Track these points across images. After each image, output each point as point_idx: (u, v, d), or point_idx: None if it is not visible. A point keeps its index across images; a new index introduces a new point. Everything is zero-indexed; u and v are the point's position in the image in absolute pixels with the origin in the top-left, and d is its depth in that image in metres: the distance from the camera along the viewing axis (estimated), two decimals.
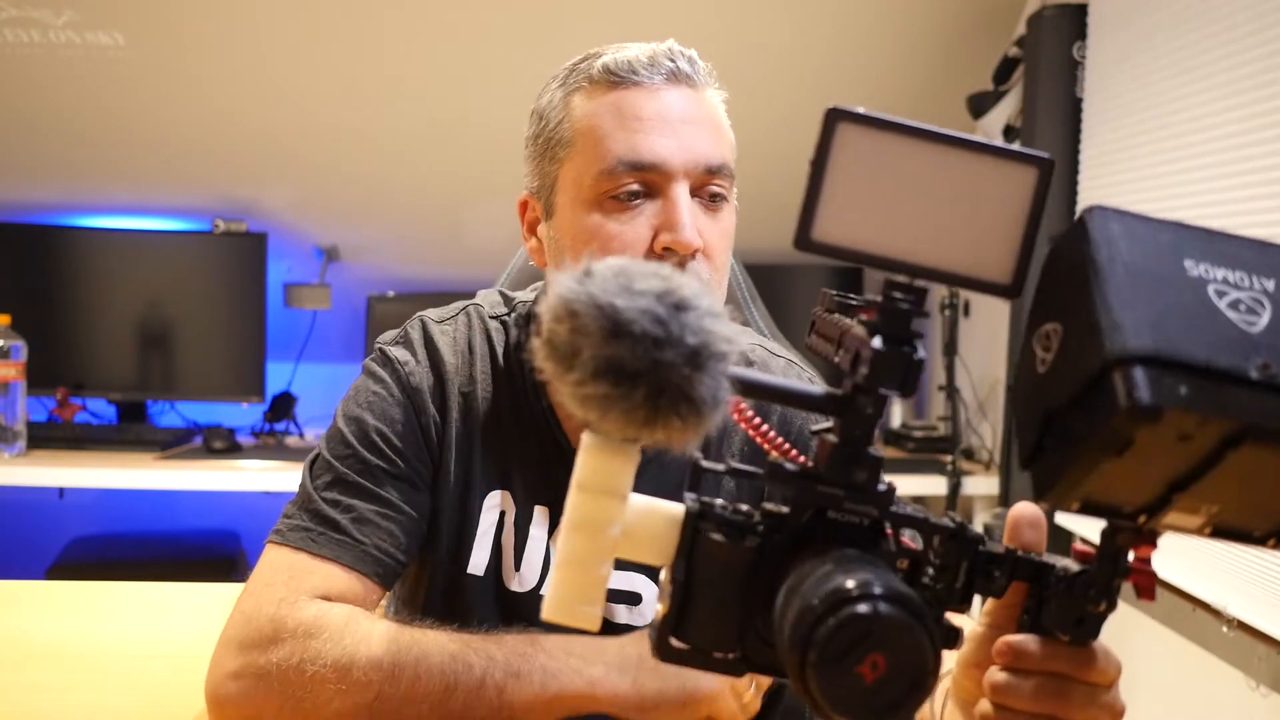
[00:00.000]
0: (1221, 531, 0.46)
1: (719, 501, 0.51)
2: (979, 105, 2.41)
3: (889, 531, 0.51)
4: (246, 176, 2.68)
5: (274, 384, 2.76)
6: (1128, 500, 0.45)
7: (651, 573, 0.98)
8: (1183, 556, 1.74)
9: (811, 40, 2.44)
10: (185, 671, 0.83)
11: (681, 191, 0.92)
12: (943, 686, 0.67)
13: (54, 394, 2.62)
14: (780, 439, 0.53)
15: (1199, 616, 1.69)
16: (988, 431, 2.60)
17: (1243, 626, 1.57)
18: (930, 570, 0.52)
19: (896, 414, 2.85)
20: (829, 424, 0.50)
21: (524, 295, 1.09)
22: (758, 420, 0.53)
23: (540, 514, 0.99)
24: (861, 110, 0.46)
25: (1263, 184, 1.56)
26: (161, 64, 2.42)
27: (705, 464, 0.51)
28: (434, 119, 2.49)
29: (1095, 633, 0.54)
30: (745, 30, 2.41)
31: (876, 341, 0.47)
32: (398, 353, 1.01)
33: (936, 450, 2.58)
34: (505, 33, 2.34)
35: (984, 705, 0.58)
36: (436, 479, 0.98)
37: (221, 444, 2.45)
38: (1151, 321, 0.41)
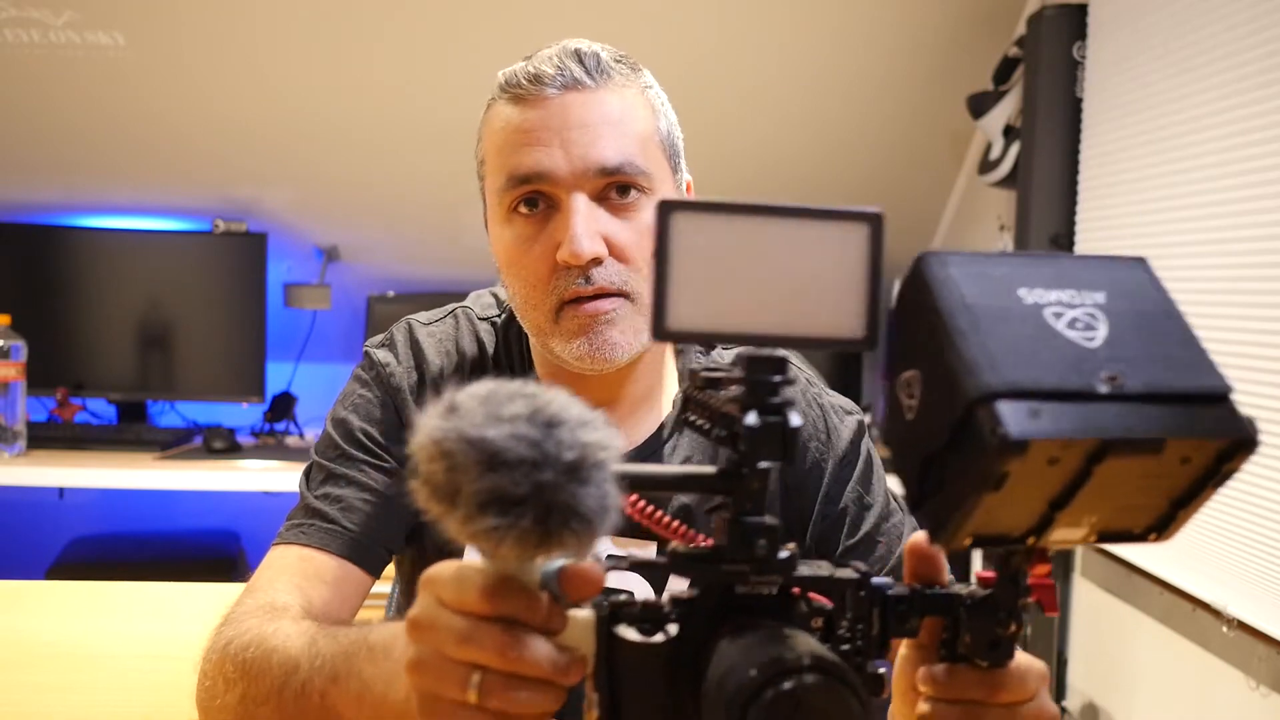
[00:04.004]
0: (1105, 536, 0.48)
1: (623, 596, 0.51)
2: (979, 105, 2.41)
3: (798, 592, 0.51)
4: (246, 176, 2.68)
5: (274, 384, 2.76)
6: (1014, 527, 0.47)
7: (644, 571, 0.97)
8: (1183, 556, 1.75)
9: (811, 41, 2.44)
10: (185, 672, 0.83)
11: (575, 201, 0.91)
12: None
13: (54, 394, 2.62)
14: (678, 524, 0.54)
15: (1199, 616, 1.69)
16: None
17: (1243, 626, 1.57)
18: (844, 623, 0.53)
19: None
20: (720, 501, 0.50)
21: None
22: (653, 511, 0.54)
23: None
24: (691, 198, 0.48)
25: (1263, 184, 1.56)
26: (161, 64, 2.42)
27: (612, 553, 0.52)
28: (434, 119, 2.49)
29: (1010, 654, 0.55)
30: (745, 33, 2.41)
31: (750, 418, 0.48)
32: (381, 355, 1.03)
33: None
34: (505, 33, 2.34)
35: None
36: None
37: (221, 444, 2.45)
38: (1002, 356, 0.43)
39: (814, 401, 1.05)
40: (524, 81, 0.93)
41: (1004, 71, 2.36)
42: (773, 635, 0.47)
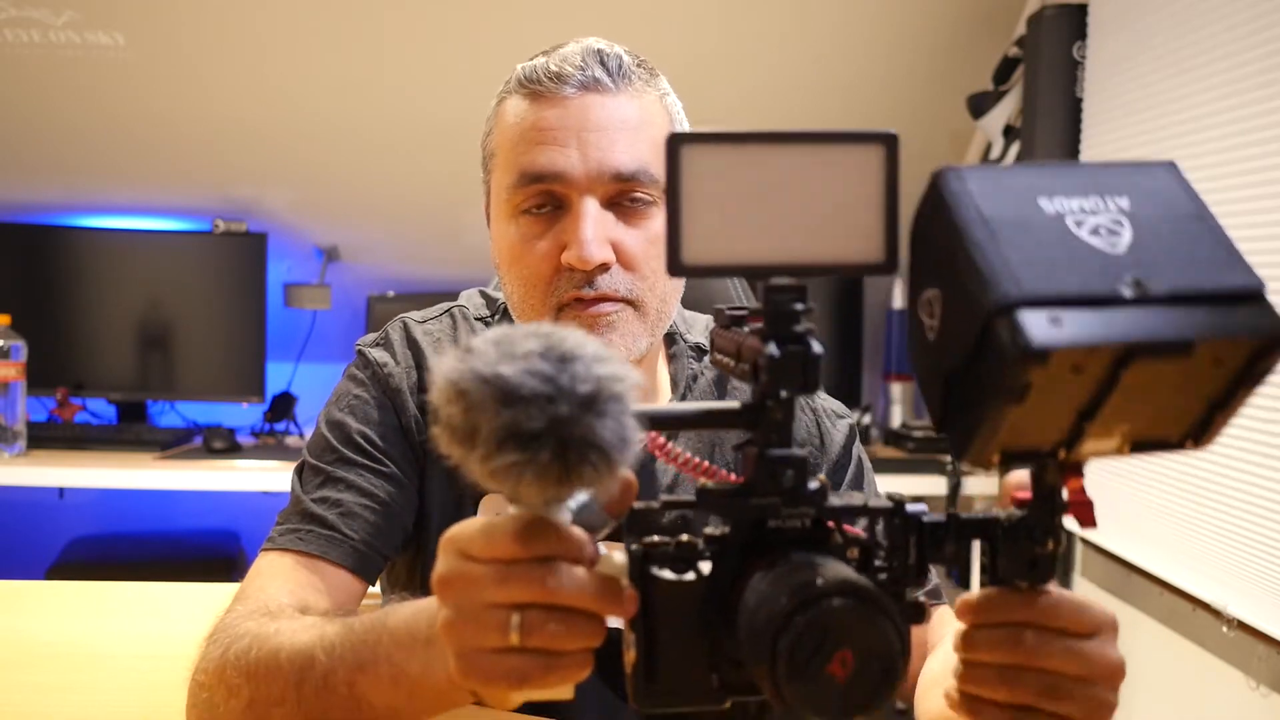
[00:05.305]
0: (1140, 446, 0.47)
1: (657, 538, 0.51)
2: (979, 105, 2.41)
3: (832, 525, 0.51)
4: (246, 176, 2.68)
5: (274, 384, 2.76)
6: (1042, 441, 0.46)
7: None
8: (1183, 556, 1.75)
9: (811, 42, 2.44)
10: (185, 671, 0.83)
11: (586, 205, 0.90)
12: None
13: (54, 394, 2.62)
14: (704, 463, 0.54)
15: (1199, 616, 1.69)
16: None
17: (1243, 626, 1.57)
18: (881, 553, 0.53)
19: (897, 414, 2.84)
20: (749, 437, 0.50)
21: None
22: (675, 450, 0.53)
23: None
24: (699, 130, 0.47)
25: (1263, 184, 1.56)
26: (161, 64, 2.42)
27: (637, 504, 0.52)
28: (434, 119, 2.49)
29: (1050, 572, 0.54)
30: (744, 34, 2.41)
31: (771, 347, 0.47)
32: (377, 354, 1.01)
33: (936, 450, 2.57)
34: (505, 33, 2.34)
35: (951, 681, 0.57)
36: (424, 479, 0.98)
37: (221, 444, 2.45)
38: (1021, 266, 0.43)
39: (806, 405, 1.05)
40: (544, 78, 0.91)
41: (1004, 71, 2.36)
42: (803, 564, 0.46)
